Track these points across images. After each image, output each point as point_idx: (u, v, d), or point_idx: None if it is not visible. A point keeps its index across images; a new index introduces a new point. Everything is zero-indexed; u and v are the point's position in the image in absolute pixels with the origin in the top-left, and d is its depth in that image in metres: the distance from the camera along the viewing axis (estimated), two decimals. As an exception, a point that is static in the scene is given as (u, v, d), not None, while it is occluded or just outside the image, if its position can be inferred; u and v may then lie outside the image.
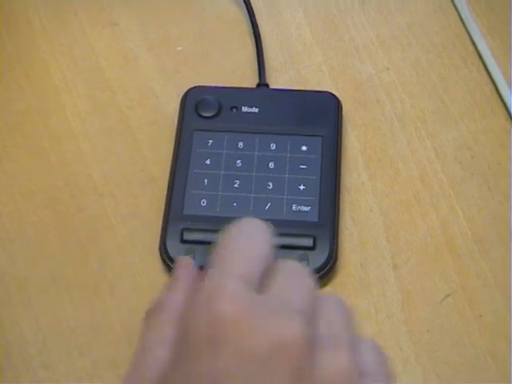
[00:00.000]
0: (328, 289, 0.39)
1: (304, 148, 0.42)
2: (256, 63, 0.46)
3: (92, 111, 0.45)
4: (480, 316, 0.39)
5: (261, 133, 0.42)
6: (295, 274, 0.31)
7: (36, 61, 0.47)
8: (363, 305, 0.39)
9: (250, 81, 0.46)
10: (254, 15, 0.47)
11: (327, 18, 0.48)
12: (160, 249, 0.40)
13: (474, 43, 0.46)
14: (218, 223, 0.39)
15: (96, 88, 0.46)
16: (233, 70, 0.47)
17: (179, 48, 0.47)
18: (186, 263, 0.36)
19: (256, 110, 0.43)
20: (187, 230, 0.40)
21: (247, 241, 0.32)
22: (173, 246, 0.39)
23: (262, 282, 0.30)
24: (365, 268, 0.40)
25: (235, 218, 0.39)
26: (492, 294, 0.39)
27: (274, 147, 0.42)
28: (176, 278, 0.35)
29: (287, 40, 0.47)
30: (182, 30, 0.48)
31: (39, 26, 0.48)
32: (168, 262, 0.39)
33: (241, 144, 0.42)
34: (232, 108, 0.43)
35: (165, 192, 0.41)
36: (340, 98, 0.44)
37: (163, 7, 0.49)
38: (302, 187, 0.41)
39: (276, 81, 0.46)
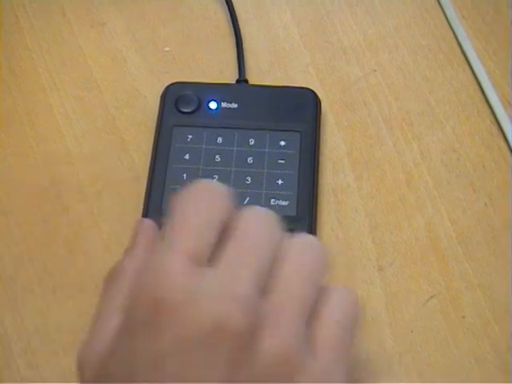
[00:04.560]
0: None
1: (282, 143, 0.42)
2: (245, 62, 0.46)
3: (79, 111, 0.45)
4: (463, 317, 0.39)
5: (240, 128, 0.43)
6: (253, 234, 0.30)
7: (23, 60, 0.47)
8: (348, 306, 0.39)
9: (237, 81, 0.46)
10: (233, 9, 0.47)
11: (315, 19, 0.48)
12: None
13: (460, 45, 0.46)
14: None
15: (83, 88, 0.46)
16: (221, 69, 0.47)
17: (167, 48, 0.48)
18: (147, 227, 0.35)
19: (235, 105, 0.43)
20: None
21: (198, 209, 0.31)
22: None
23: (215, 250, 0.30)
24: (349, 269, 0.40)
25: None
26: (476, 295, 0.39)
27: (252, 142, 0.42)
28: (135, 243, 0.34)
29: (275, 40, 0.48)
30: (170, 31, 0.48)
31: (27, 25, 0.48)
32: None
33: (220, 139, 0.42)
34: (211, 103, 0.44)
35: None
36: (326, 99, 0.44)
37: (151, 7, 0.49)
38: (280, 182, 0.41)
39: (263, 81, 0.46)
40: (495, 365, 0.38)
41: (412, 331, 0.38)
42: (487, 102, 0.44)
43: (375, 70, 0.46)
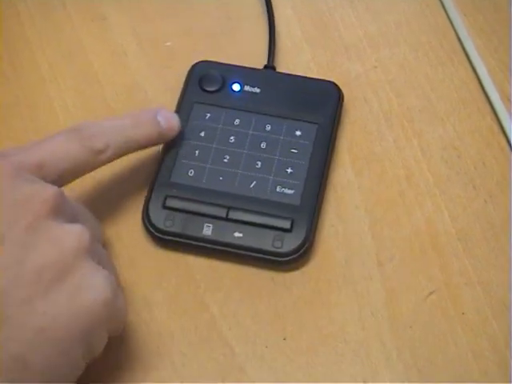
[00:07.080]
0: (312, 286, 0.39)
1: (298, 133, 0.42)
2: (243, 59, 0.46)
3: (79, 105, 0.45)
4: (463, 314, 0.39)
5: (258, 113, 0.43)
6: None
7: (24, 53, 0.47)
8: (347, 301, 0.39)
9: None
10: None
11: (316, 16, 0.48)
12: (142, 212, 0.40)
13: (460, 42, 0.46)
14: (202, 194, 0.40)
15: (84, 82, 0.46)
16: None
17: (168, 43, 0.48)
18: None
19: (258, 90, 0.44)
20: (170, 197, 0.40)
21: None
22: (154, 211, 0.40)
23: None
24: (349, 265, 0.40)
25: (219, 191, 0.40)
26: (475, 292, 0.39)
27: (269, 128, 0.42)
28: None
29: (276, 36, 0.47)
30: (171, 26, 0.48)
31: (28, 19, 0.48)
32: (148, 226, 0.40)
33: (237, 121, 0.43)
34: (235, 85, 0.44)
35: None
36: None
37: (152, 2, 0.49)
38: (289, 170, 0.41)
39: (264, 77, 0.46)
40: (493, 361, 0.38)
41: (411, 327, 0.38)
42: (488, 99, 0.44)
43: (376, 67, 0.46)
